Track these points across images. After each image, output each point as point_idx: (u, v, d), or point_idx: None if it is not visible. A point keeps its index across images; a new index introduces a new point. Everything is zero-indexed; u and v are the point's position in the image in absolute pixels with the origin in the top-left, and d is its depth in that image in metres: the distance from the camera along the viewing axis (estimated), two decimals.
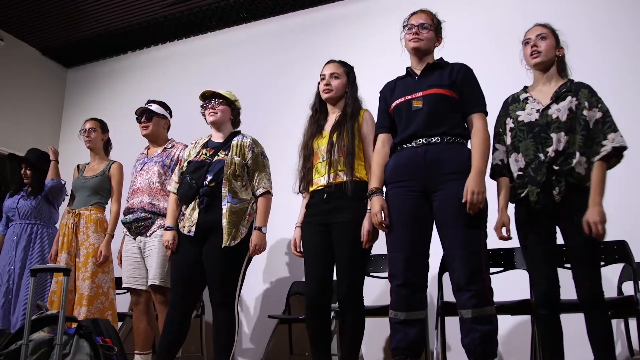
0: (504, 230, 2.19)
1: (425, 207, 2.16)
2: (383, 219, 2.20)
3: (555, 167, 2.09)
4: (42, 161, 3.66)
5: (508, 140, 2.25)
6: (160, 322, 2.88)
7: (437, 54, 2.38)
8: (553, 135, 2.12)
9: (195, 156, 2.71)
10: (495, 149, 2.29)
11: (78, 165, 3.51)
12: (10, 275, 3.38)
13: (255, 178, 2.67)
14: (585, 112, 2.12)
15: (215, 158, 2.65)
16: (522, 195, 2.16)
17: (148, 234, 2.95)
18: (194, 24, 4.92)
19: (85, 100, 5.48)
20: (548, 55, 2.25)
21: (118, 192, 3.32)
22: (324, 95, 2.57)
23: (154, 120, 3.13)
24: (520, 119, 2.22)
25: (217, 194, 2.58)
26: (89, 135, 3.41)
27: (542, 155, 2.12)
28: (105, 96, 5.38)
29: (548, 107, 2.17)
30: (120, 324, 3.58)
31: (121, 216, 3.10)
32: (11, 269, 3.39)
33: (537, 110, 2.19)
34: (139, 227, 2.95)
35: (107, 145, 3.54)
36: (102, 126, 3.50)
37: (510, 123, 2.26)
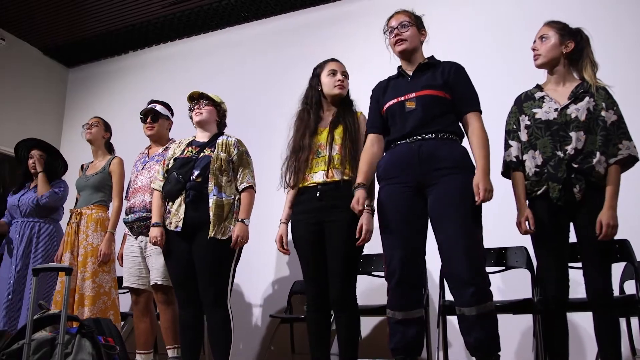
0: (527, 224, 2.16)
1: (420, 203, 2.15)
2: (360, 209, 2.16)
3: (575, 165, 2.09)
4: (53, 149, 3.69)
5: (524, 137, 2.24)
6: (162, 321, 2.89)
7: (428, 52, 2.34)
8: (572, 134, 2.12)
9: (181, 154, 2.75)
10: (509, 145, 2.28)
11: (82, 165, 3.51)
12: (12, 274, 3.35)
13: (240, 173, 2.70)
14: (603, 113, 2.13)
15: (202, 155, 2.69)
16: (540, 192, 2.16)
17: None
18: (195, 23, 4.92)
19: (87, 100, 5.49)
20: (548, 55, 2.25)
21: (119, 188, 3.29)
22: (336, 91, 2.55)
23: (159, 121, 3.15)
24: (537, 116, 2.21)
25: (203, 189, 2.60)
26: (90, 128, 3.43)
27: (560, 153, 2.12)
28: (106, 96, 5.38)
29: (567, 106, 2.17)
30: (122, 323, 3.58)
31: (123, 215, 3.09)
32: (13, 268, 3.37)
33: (555, 109, 2.18)
34: (140, 226, 2.94)
35: (109, 147, 3.53)
36: (105, 124, 3.51)
37: (525, 120, 2.24)
